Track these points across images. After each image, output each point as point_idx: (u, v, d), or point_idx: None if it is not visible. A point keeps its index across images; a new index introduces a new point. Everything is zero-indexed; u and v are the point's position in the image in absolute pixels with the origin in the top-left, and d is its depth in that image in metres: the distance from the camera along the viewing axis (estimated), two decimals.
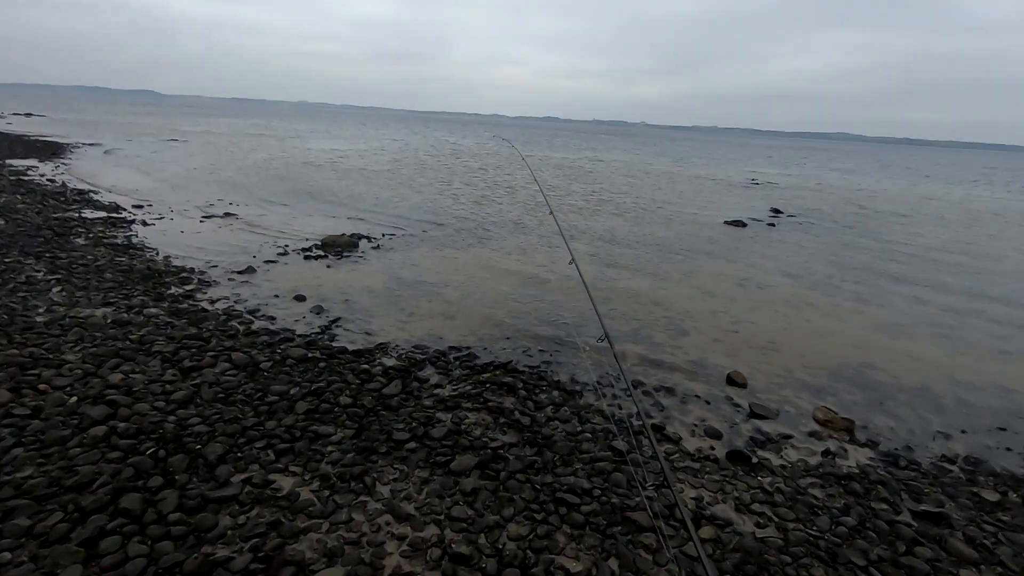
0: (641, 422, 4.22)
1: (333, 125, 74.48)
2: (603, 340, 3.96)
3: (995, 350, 6.63)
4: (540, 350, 5.66)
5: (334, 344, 5.39)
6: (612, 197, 18.36)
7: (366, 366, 4.89)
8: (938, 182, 37.45)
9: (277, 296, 6.72)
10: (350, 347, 5.35)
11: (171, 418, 3.74)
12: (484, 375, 4.96)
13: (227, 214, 11.47)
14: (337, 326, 5.93)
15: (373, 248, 9.53)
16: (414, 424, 3.98)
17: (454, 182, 19.76)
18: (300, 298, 6.69)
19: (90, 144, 24.68)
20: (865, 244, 12.83)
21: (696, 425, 4.40)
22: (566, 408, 4.45)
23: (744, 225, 14.04)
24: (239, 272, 7.54)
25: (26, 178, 13.86)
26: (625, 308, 7.15)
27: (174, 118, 62.13)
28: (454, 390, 4.63)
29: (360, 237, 10.08)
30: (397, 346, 5.49)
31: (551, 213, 5.94)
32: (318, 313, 6.26)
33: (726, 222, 14.27)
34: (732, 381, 5.16)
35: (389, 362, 5.07)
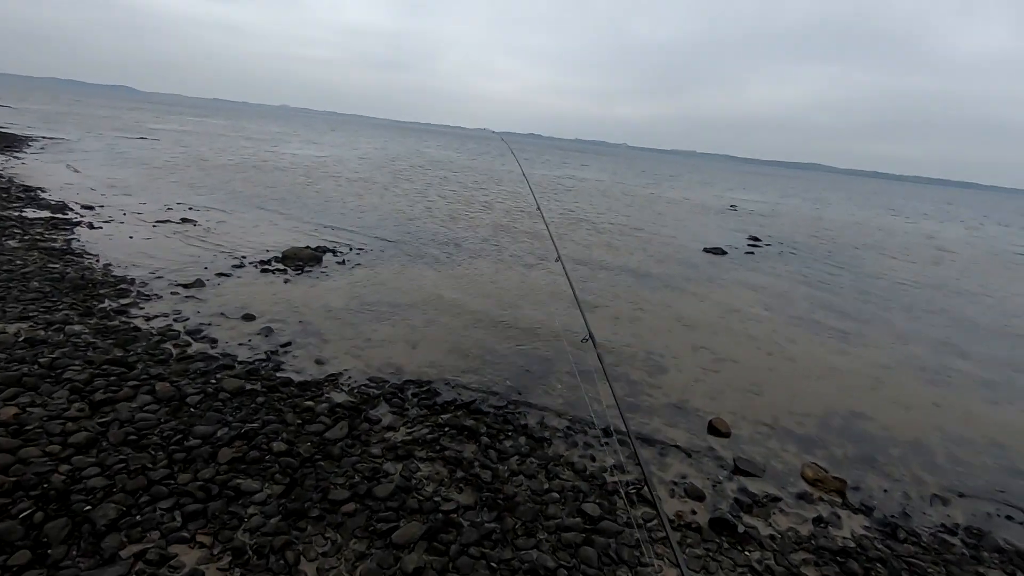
0: (616, 479, 3.78)
1: (313, 130, 73.40)
2: (587, 340, 3.55)
3: (983, 398, 6.37)
4: (509, 385, 5.18)
5: (278, 374, 4.81)
6: (589, 216, 18.07)
7: (310, 402, 4.34)
8: (904, 215, 38.25)
9: (224, 314, 6.12)
10: (296, 378, 4.79)
11: (63, 467, 3.14)
12: (444, 415, 4.46)
13: (184, 220, 10.76)
14: (286, 351, 5.36)
15: (338, 263, 8.96)
16: (356, 479, 3.45)
17: (429, 194, 19.28)
18: (249, 317, 6.11)
19: (50, 138, 23.50)
20: (841, 277, 12.71)
21: (676, 483, 3.96)
22: (533, 459, 3.97)
23: (724, 253, 13.82)
24: (185, 285, 6.90)
25: None
26: (600, 339, 6.68)
27: (147, 115, 60.31)
28: (408, 434, 4.11)
29: (325, 250, 9.49)
30: (350, 378, 4.95)
31: (538, 208, 5.66)
32: (267, 335, 5.68)
33: (705, 249, 14.04)
34: (715, 430, 4.74)
35: (338, 398, 4.52)
